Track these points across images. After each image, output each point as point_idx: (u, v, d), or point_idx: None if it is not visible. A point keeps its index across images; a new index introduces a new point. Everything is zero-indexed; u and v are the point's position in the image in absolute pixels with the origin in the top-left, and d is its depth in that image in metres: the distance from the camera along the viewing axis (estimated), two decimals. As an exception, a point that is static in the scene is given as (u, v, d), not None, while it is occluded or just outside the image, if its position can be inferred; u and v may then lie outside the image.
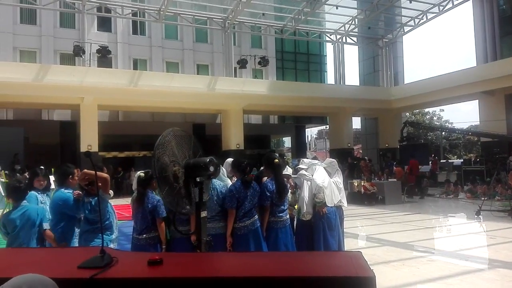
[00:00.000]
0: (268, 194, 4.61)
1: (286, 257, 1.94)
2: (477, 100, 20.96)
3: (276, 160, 4.83)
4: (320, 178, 5.27)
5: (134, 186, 4.55)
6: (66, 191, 3.96)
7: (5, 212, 4.05)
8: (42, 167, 4.79)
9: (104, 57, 20.25)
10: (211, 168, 3.03)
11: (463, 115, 77.28)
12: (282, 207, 4.75)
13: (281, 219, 4.70)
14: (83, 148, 17.24)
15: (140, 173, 4.54)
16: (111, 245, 3.72)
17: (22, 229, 3.52)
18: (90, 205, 3.71)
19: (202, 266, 1.79)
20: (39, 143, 22.45)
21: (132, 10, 20.92)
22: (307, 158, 6.44)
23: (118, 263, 1.77)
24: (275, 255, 2.17)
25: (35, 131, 21.25)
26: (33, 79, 15.94)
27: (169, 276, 1.62)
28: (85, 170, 3.86)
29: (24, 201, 3.77)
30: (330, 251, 4.76)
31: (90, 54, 20.49)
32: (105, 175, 3.85)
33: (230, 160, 5.30)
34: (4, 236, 3.72)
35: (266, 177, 4.88)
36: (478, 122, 21.95)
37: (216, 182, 4.42)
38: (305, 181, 5.30)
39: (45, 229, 3.65)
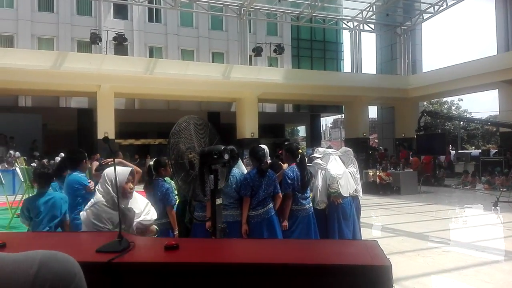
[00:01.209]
0: (290, 182, 4.62)
1: (301, 245, 1.94)
2: (497, 90, 20.49)
3: (300, 150, 4.85)
4: (334, 168, 5.23)
5: None
6: (80, 174, 4.08)
7: (28, 196, 4.12)
8: (62, 153, 4.88)
9: (120, 45, 20.37)
10: (226, 156, 3.03)
11: (482, 105, 75.69)
12: (306, 194, 4.78)
13: (303, 207, 4.70)
14: (100, 136, 17.44)
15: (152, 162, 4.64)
16: None
17: (46, 216, 3.54)
18: None
19: (218, 251, 1.80)
20: (57, 130, 22.81)
21: (148, -2, 20.95)
22: (322, 147, 6.42)
23: (135, 248, 1.79)
24: (290, 243, 2.18)
25: (53, 118, 21.59)
26: (50, 66, 16.14)
27: (185, 261, 1.64)
28: (121, 160, 3.93)
29: (50, 188, 3.82)
30: (345, 239, 4.75)
31: (106, 41, 20.62)
32: (138, 169, 3.97)
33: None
34: (25, 220, 3.75)
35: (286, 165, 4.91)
36: (497, 112, 21.49)
37: (235, 170, 4.45)
38: (319, 170, 5.28)
39: (68, 219, 3.68)
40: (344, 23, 24.93)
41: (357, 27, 24.37)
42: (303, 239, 4.58)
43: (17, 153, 16.21)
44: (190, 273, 1.60)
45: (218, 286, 1.57)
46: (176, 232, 4.43)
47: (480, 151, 23.43)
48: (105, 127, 17.49)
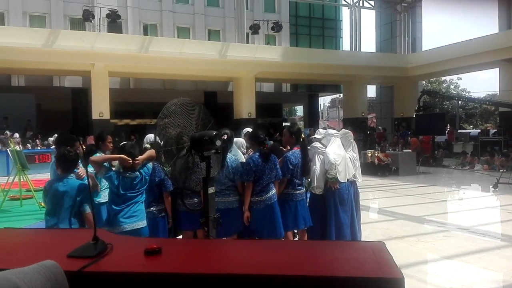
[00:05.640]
0: (291, 167, 4.49)
1: (299, 249, 1.73)
2: (497, 68, 20.21)
3: (303, 136, 4.72)
4: (333, 153, 5.01)
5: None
6: None
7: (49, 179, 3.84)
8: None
9: (114, 22, 19.84)
10: (218, 143, 2.80)
11: (480, 84, 75.22)
12: (302, 180, 4.72)
13: (300, 191, 4.63)
14: (95, 115, 17.19)
15: (147, 144, 4.38)
16: None
17: (63, 204, 3.30)
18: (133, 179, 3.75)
19: (206, 257, 1.60)
20: (51, 110, 22.51)
21: (142, -27, 20.31)
22: (322, 129, 6.20)
23: (112, 251, 1.59)
24: (287, 246, 1.97)
25: (47, 98, 21.26)
26: (43, 44, 15.72)
27: (167, 271, 1.44)
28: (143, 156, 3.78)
29: (72, 174, 3.55)
30: (348, 240, 4.54)
31: (99, 19, 20.11)
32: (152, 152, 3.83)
33: (246, 130, 5.15)
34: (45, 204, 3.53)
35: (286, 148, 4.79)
36: (496, 91, 21.25)
37: (228, 155, 4.25)
38: (316, 154, 5.05)
39: (86, 211, 3.34)
40: (343, 0, 24.35)
41: (357, 4, 23.84)
42: (298, 224, 4.57)
43: (16, 134, 15.91)
44: (173, 285, 1.40)
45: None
46: (171, 219, 4.25)
47: (480, 130, 23.21)
48: (100, 107, 17.21)
